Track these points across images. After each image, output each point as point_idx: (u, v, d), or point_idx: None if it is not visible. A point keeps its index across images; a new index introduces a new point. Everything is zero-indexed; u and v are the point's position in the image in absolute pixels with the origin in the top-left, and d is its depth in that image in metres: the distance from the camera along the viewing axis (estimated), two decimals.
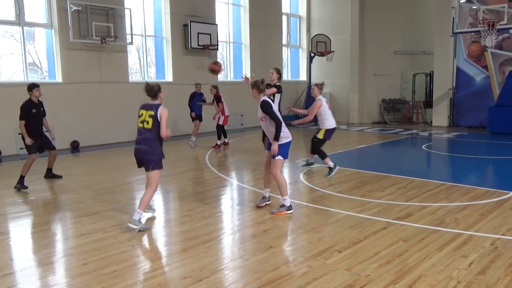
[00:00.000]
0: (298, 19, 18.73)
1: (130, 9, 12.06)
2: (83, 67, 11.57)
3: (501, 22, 11.96)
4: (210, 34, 13.92)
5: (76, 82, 11.45)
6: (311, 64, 17.21)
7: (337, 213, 5.32)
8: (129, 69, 13.01)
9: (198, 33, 13.58)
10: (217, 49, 14.45)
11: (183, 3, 13.65)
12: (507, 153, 9.73)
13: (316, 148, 7.65)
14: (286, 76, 18.37)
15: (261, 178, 7.32)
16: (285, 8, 17.81)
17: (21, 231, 4.98)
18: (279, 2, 17.05)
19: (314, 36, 16.85)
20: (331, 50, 16.63)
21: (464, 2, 14.40)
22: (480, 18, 12.41)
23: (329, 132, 7.62)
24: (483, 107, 13.90)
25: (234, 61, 16.29)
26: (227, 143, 11.46)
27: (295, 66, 18.92)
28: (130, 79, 12.99)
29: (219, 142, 11.12)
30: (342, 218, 5.10)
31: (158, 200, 6.41)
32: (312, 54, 16.72)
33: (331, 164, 7.45)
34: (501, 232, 4.54)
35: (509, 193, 6.08)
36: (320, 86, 7.58)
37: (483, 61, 14.54)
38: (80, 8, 11.11)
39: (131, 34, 12.19)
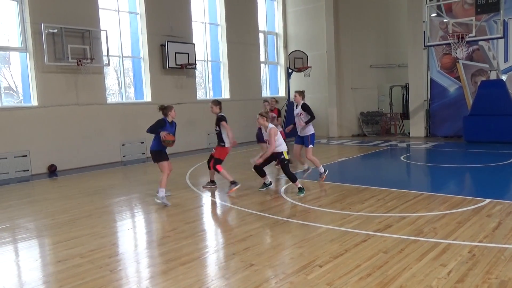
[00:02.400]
0: (275, 36, 19.00)
1: (106, 31, 12.05)
2: (59, 89, 11.45)
3: (470, 35, 12.35)
4: (188, 53, 13.98)
5: (52, 105, 11.30)
6: (289, 80, 17.41)
7: (317, 227, 5.33)
8: (108, 90, 12.95)
9: (175, 53, 13.63)
10: (195, 68, 14.51)
11: (159, 24, 13.71)
12: (483, 161, 9.95)
13: (286, 170, 7.26)
14: (265, 92, 18.52)
15: (242, 195, 7.32)
16: (262, 26, 18.06)
17: None
18: (255, 20, 17.29)
19: (291, 53, 17.09)
20: (308, 65, 16.87)
21: (434, 16, 14.86)
22: (450, 31, 12.80)
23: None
24: (458, 117, 14.25)
25: (212, 79, 16.36)
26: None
27: (273, 83, 19.10)
28: (109, 100, 12.91)
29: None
30: (322, 232, 5.11)
31: (139, 221, 6.32)
32: (290, 70, 16.93)
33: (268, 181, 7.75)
34: (478, 239, 4.62)
35: (485, 200, 6.20)
36: (266, 114, 7.36)
37: (455, 72, 14.96)
38: (55, 30, 11.05)
39: (108, 56, 12.15)
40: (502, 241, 4.56)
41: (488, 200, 6.18)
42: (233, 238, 5.11)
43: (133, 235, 5.65)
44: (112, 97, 13.59)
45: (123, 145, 12.88)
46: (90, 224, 5.99)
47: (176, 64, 13.70)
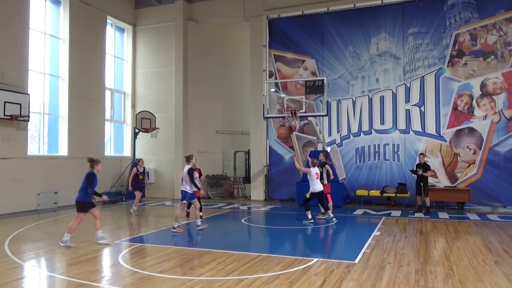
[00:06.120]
0: (122, 95, 18.63)
1: None
2: None
3: (301, 110, 14.11)
4: (21, 104, 12.63)
5: None
6: (136, 140, 17.03)
7: None
8: None
9: (5, 102, 12.17)
10: (28, 120, 13.10)
11: None
12: (313, 223, 10.96)
13: (304, 202, 10.98)
14: (109, 151, 17.67)
15: (74, 263, 6.59)
16: (109, 83, 17.57)
17: None
18: (101, 76, 16.74)
19: (138, 113, 16.90)
20: (156, 127, 16.85)
21: (273, 91, 16.62)
22: (285, 106, 14.42)
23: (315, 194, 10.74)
24: (292, 182, 15.69)
25: (49, 134, 14.95)
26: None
27: (119, 142, 18.41)
28: None
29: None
30: None
31: None
32: (137, 130, 16.62)
33: (310, 216, 10.82)
34: None
35: (313, 259, 6.79)
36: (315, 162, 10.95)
37: (290, 142, 16.69)
38: None
39: None
40: None
41: (315, 260, 6.79)
42: None
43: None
44: None
45: None
46: None
47: (4, 115, 12.19)
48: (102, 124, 16.79)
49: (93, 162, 8.07)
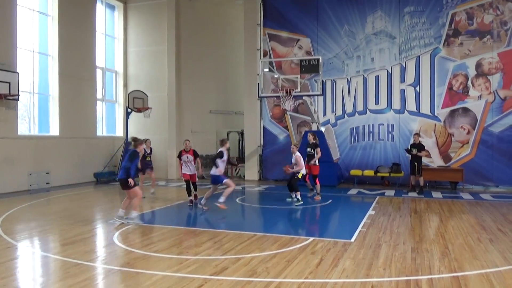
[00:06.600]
0: (114, 74, 18.30)
1: None
2: None
3: (296, 90, 13.98)
4: (9, 83, 12.33)
5: None
6: (128, 120, 16.82)
7: (153, 275, 5.03)
8: None
9: None
10: (17, 99, 12.84)
11: None
12: (307, 202, 10.97)
13: (294, 182, 10.63)
14: (101, 131, 17.46)
15: (68, 243, 6.53)
16: (100, 62, 17.23)
17: None
18: (92, 55, 16.38)
19: (131, 92, 16.63)
20: (149, 106, 16.63)
21: (267, 71, 16.41)
22: (280, 86, 14.27)
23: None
24: (286, 163, 15.60)
25: (39, 113, 14.68)
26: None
27: (110, 121, 18.17)
28: None
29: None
30: (158, 280, 4.83)
31: None
32: (129, 110, 16.40)
33: (299, 197, 10.47)
34: (305, 276, 4.97)
35: (309, 239, 6.79)
36: (297, 145, 11.80)
37: (284, 122, 16.59)
38: None
39: None
40: (324, 275, 5.00)
41: (312, 239, 6.78)
42: None
43: None
44: None
45: None
46: None
47: None
48: (94, 103, 16.54)
49: (136, 141, 8.20)
